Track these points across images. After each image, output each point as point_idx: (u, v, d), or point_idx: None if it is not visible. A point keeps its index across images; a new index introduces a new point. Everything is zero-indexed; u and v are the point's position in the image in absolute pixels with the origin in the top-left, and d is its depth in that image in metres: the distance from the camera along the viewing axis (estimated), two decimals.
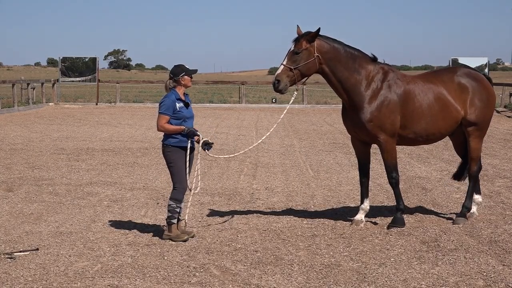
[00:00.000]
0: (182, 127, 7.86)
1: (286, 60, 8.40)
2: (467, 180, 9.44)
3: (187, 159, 7.94)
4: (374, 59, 8.73)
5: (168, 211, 7.95)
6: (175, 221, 7.94)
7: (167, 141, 7.94)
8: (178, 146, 7.90)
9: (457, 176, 9.78)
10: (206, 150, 8.16)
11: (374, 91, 8.54)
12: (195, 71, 8.11)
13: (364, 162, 8.97)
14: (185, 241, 7.87)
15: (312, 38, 8.39)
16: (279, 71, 8.39)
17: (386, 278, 6.60)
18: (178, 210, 7.94)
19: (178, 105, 7.92)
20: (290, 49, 8.43)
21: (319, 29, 8.43)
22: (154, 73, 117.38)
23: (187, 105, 8.03)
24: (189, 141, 7.92)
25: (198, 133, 7.95)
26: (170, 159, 7.93)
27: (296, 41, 8.41)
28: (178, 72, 8.01)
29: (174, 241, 7.87)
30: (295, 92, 8.66)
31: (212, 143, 8.22)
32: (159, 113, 7.90)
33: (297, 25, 8.52)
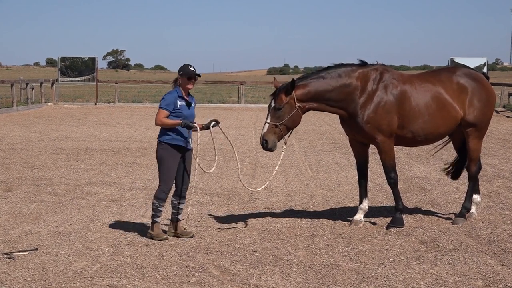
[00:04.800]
0: (179, 120, 7.85)
1: (269, 117, 8.31)
2: (466, 180, 9.44)
3: (185, 158, 7.96)
4: (363, 64, 8.71)
5: (152, 209, 7.99)
6: (158, 219, 7.97)
7: (161, 138, 7.95)
8: (172, 144, 7.89)
9: (454, 176, 9.79)
10: (214, 127, 8.11)
11: (370, 93, 8.52)
12: (192, 73, 7.94)
13: (362, 162, 8.98)
14: (163, 240, 7.90)
15: (289, 91, 8.30)
16: (264, 130, 8.29)
17: (385, 278, 6.61)
18: (161, 209, 7.95)
19: (180, 102, 7.91)
20: (270, 104, 8.36)
21: (293, 80, 8.36)
22: (153, 73, 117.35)
23: (189, 104, 8.01)
24: (185, 140, 7.90)
25: (194, 124, 7.91)
26: (161, 156, 7.92)
27: (275, 96, 8.33)
28: (179, 70, 8.02)
29: (154, 239, 7.90)
30: (284, 147, 8.54)
31: (218, 122, 8.19)
32: (159, 107, 7.92)
33: (274, 77, 8.51)
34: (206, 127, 8.16)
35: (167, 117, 7.86)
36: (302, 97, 8.38)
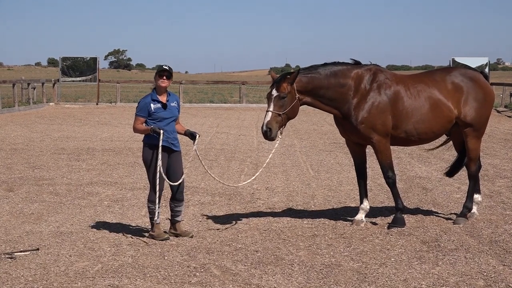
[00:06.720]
0: (148, 127, 7.86)
1: (272, 106, 8.23)
2: (467, 180, 9.44)
3: (158, 157, 7.88)
4: (357, 63, 8.71)
5: (148, 212, 8.06)
6: (157, 220, 7.99)
7: (144, 139, 8.04)
8: (150, 144, 7.93)
9: (450, 173, 9.81)
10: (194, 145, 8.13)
11: (363, 94, 8.53)
12: (161, 68, 7.95)
13: (360, 163, 8.98)
14: (164, 239, 7.91)
15: (293, 80, 8.29)
16: (268, 118, 8.18)
17: (387, 278, 6.60)
18: (156, 210, 7.95)
19: (154, 106, 7.90)
20: (271, 93, 8.29)
21: (299, 70, 8.41)
22: (155, 73, 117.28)
23: (165, 106, 7.96)
24: (160, 139, 7.79)
25: (159, 130, 7.79)
26: (144, 158, 8.07)
27: (278, 85, 8.28)
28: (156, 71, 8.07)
29: (156, 239, 7.92)
30: (280, 136, 8.46)
31: (196, 135, 8.12)
32: (135, 114, 8.01)
33: (270, 68, 8.47)
34: (190, 136, 8.10)
35: (146, 121, 7.91)
36: (301, 89, 8.39)
